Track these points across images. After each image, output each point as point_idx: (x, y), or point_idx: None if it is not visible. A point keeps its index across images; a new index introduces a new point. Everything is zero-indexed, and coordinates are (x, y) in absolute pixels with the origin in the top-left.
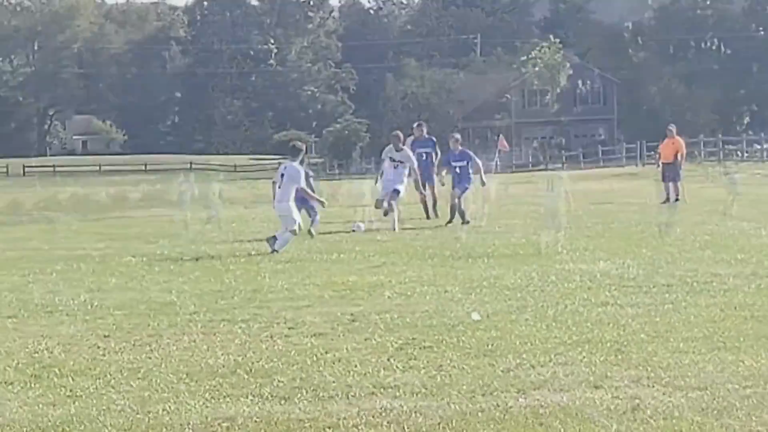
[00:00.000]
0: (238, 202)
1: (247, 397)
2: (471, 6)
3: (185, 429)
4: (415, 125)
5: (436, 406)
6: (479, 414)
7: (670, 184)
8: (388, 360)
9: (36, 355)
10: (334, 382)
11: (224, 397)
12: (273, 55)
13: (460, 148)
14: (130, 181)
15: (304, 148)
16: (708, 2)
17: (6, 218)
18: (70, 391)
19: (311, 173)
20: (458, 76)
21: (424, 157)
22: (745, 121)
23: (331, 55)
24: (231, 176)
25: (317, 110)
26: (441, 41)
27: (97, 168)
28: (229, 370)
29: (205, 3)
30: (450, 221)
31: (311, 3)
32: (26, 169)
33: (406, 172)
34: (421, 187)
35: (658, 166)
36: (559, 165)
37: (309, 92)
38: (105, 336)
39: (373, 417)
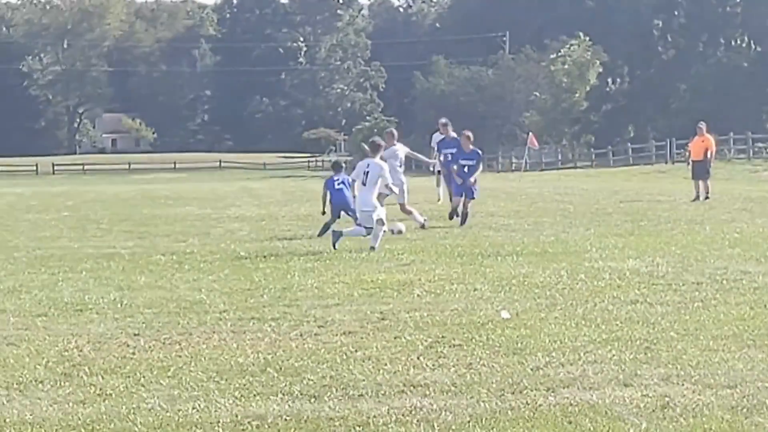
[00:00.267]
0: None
1: (276, 396)
2: (500, 4)
3: (215, 427)
4: (441, 121)
5: (466, 404)
6: (508, 412)
7: (700, 182)
8: (418, 358)
9: (66, 353)
10: (363, 380)
11: (254, 395)
12: (302, 53)
13: (471, 147)
14: (159, 179)
15: (383, 143)
16: (737, 0)
17: (35, 216)
18: (100, 389)
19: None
20: (487, 74)
21: (449, 158)
22: None
23: (361, 53)
24: (260, 174)
25: (346, 108)
26: (470, 39)
27: (127, 166)
28: (259, 368)
29: (235, 1)
30: (452, 218)
31: (340, 1)
32: (55, 168)
33: (400, 171)
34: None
35: (688, 163)
36: (588, 163)
37: (338, 90)
38: (135, 334)
39: (402, 415)
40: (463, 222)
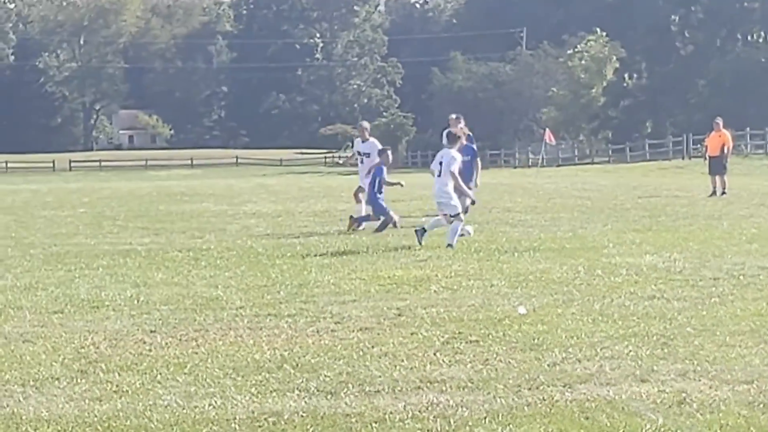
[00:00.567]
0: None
1: (293, 392)
2: None
3: (231, 424)
4: (452, 116)
5: (482, 400)
6: (525, 408)
7: (717, 178)
8: (435, 354)
9: (82, 350)
10: (380, 376)
11: (270, 391)
12: (319, 49)
13: (466, 142)
14: (175, 175)
15: (462, 135)
16: None
17: (51, 213)
18: (117, 386)
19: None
20: (505, 70)
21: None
22: None
23: (377, 49)
24: (277, 170)
25: (363, 104)
26: (487, 35)
27: (143, 163)
28: (276, 364)
29: None
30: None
31: None
32: (72, 164)
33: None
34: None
35: (705, 159)
36: (606, 158)
37: (355, 86)
38: (151, 331)
39: (419, 411)
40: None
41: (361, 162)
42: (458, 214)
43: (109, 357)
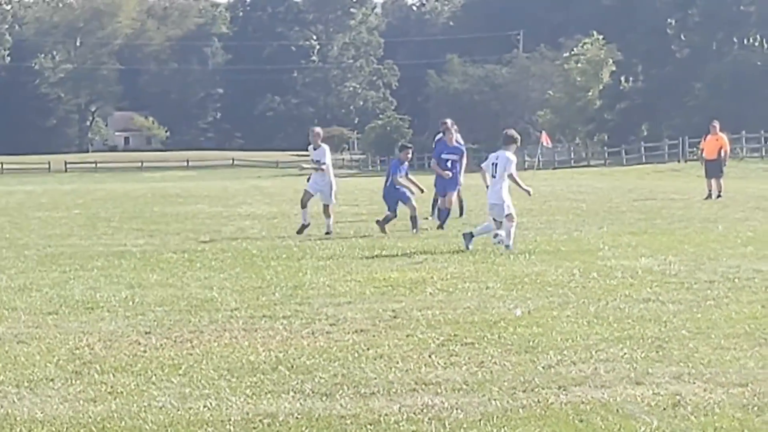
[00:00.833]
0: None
1: (288, 394)
2: (514, 2)
3: (226, 425)
4: (447, 122)
5: (477, 403)
6: (520, 410)
7: (713, 181)
8: (430, 356)
9: (77, 351)
10: (375, 378)
11: (265, 393)
12: (315, 51)
13: (455, 142)
14: (171, 177)
15: (518, 136)
16: None
17: (45, 214)
18: (111, 387)
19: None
20: (501, 72)
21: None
22: None
23: (373, 51)
24: (272, 172)
25: (359, 106)
26: (484, 37)
27: (139, 164)
28: (270, 366)
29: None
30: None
31: None
32: (67, 165)
33: (328, 172)
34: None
35: (702, 162)
36: (602, 161)
37: (351, 88)
38: (146, 332)
39: (414, 413)
40: (460, 211)
41: (316, 170)
42: (510, 214)
43: (103, 358)
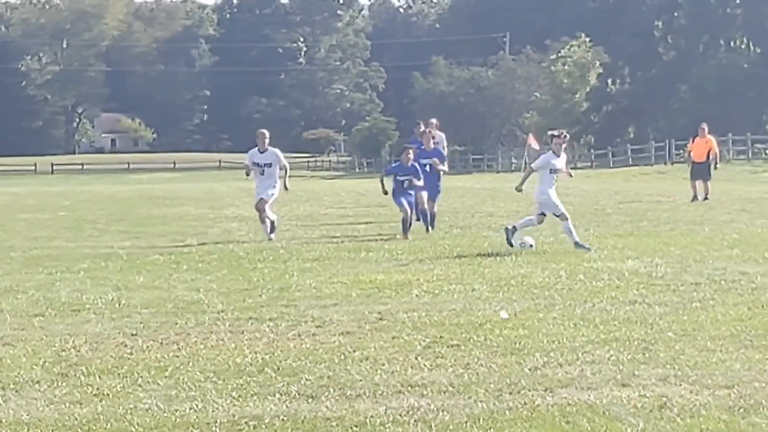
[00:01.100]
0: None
1: (274, 396)
2: (500, 4)
3: (212, 428)
4: (434, 121)
5: (463, 405)
6: (506, 412)
7: (700, 183)
8: (416, 358)
9: (62, 353)
10: (361, 380)
11: (251, 395)
12: (301, 53)
13: (433, 145)
14: (157, 179)
15: (562, 135)
16: (737, 1)
17: (31, 216)
18: (97, 389)
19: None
20: (487, 75)
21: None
22: None
23: (360, 54)
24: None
25: (345, 108)
26: (470, 39)
27: (126, 166)
28: (257, 368)
29: (235, 1)
30: (428, 229)
31: (341, 1)
32: (54, 167)
33: (275, 176)
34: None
35: (689, 164)
36: (588, 164)
37: (337, 90)
38: (132, 334)
39: (400, 415)
40: (431, 225)
41: (262, 173)
42: (562, 213)
43: (89, 360)
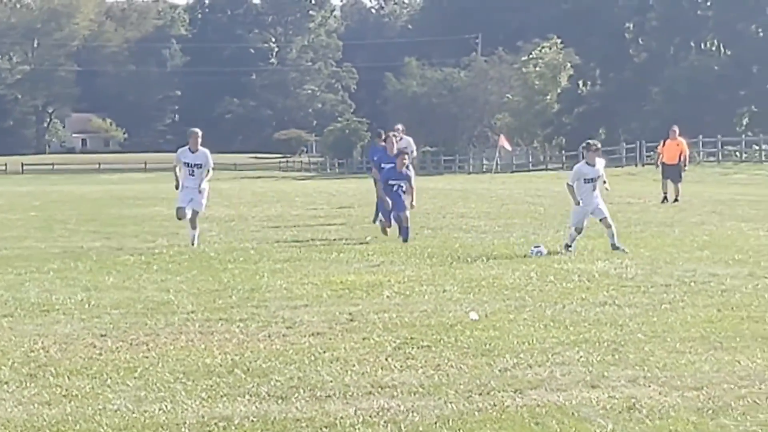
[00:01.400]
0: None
1: (244, 397)
2: (472, 6)
3: (181, 428)
4: (400, 126)
5: (433, 406)
6: (476, 413)
7: (671, 185)
8: (386, 359)
9: (32, 354)
10: (331, 381)
11: (221, 396)
12: (273, 53)
13: (396, 151)
14: (128, 179)
15: (593, 147)
16: (708, 4)
17: (1, 216)
18: (66, 390)
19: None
20: (459, 76)
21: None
22: (745, 122)
23: (332, 54)
24: (230, 174)
25: (317, 109)
26: (442, 40)
27: (97, 166)
28: (226, 369)
29: (206, 1)
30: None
31: (312, 2)
32: (24, 167)
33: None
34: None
35: (657, 166)
36: (559, 165)
37: (309, 91)
38: (101, 335)
39: (370, 416)
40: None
41: (191, 174)
42: (605, 217)
43: (58, 361)
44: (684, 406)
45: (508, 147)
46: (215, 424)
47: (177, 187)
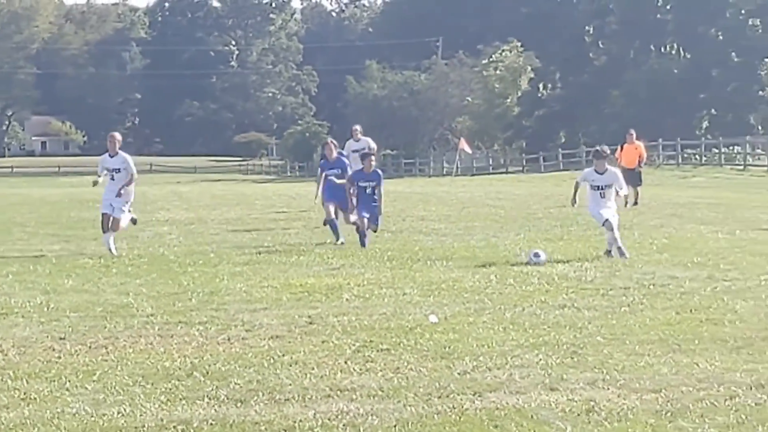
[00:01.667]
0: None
1: (203, 400)
2: (433, 9)
3: None
4: (357, 128)
5: (393, 409)
6: (435, 416)
7: (630, 189)
8: (345, 362)
9: None
10: (290, 384)
11: (180, 399)
12: (234, 56)
13: (335, 155)
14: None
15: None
16: (668, 7)
17: None
18: (24, 393)
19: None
20: (420, 79)
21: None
22: (704, 125)
23: (292, 57)
24: (191, 177)
25: (278, 112)
26: (403, 44)
27: (56, 169)
28: (185, 372)
29: (167, 4)
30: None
31: (273, 5)
32: None
33: (125, 181)
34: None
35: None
36: (519, 168)
37: (269, 94)
38: (60, 338)
39: (329, 420)
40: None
41: (112, 179)
42: (606, 221)
43: (17, 364)
44: (642, 409)
45: (469, 150)
46: (174, 427)
47: (93, 184)
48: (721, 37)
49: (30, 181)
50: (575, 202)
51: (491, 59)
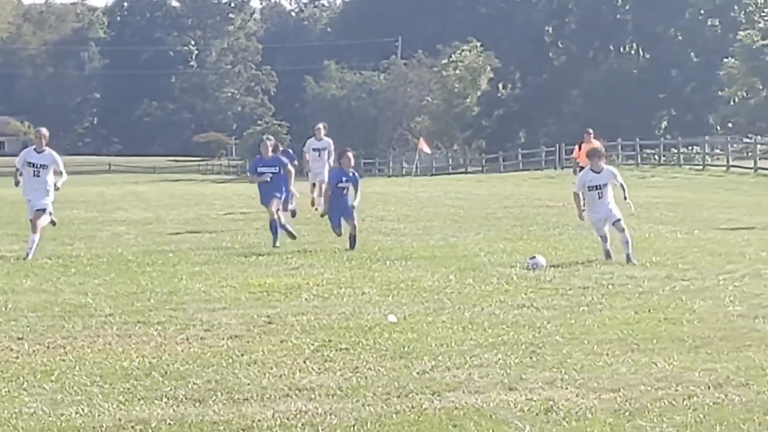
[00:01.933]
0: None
1: (161, 400)
2: (392, 9)
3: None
4: (320, 126)
5: (351, 408)
6: (394, 416)
7: None
8: (304, 362)
9: None
10: (248, 384)
11: (138, 399)
12: (193, 56)
13: (271, 153)
14: None
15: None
16: (627, 7)
17: None
18: None
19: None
20: (379, 79)
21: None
22: (663, 126)
23: (252, 57)
24: (149, 177)
25: (237, 112)
26: (362, 44)
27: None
28: (144, 372)
29: (125, 4)
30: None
31: (232, 5)
32: None
33: (48, 181)
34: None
35: (575, 171)
36: (479, 168)
37: (229, 94)
38: (18, 338)
39: (287, 419)
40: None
41: (36, 175)
42: (619, 220)
43: None
44: (601, 408)
45: (428, 150)
46: (132, 427)
47: (16, 185)
48: (680, 38)
49: None
50: (581, 212)
51: (450, 59)
